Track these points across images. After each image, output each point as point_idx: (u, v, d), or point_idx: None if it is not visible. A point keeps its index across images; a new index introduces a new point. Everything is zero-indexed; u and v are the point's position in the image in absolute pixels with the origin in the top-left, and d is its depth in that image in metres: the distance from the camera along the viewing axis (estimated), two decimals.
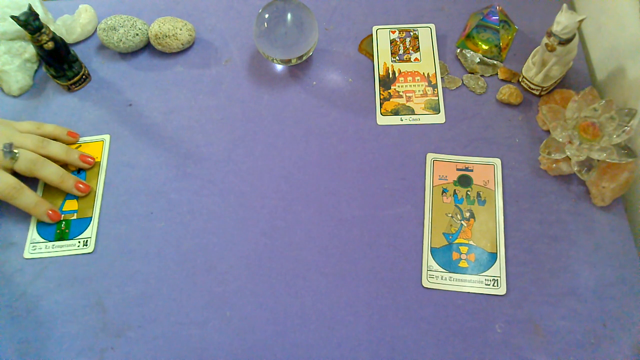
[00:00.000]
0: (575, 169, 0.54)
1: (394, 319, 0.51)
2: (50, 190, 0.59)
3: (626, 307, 0.50)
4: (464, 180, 0.57)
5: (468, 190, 0.56)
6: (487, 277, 0.52)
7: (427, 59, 0.65)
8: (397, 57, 0.65)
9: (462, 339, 0.50)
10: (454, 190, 0.57)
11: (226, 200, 0.58)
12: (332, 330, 0.51)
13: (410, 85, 0.63)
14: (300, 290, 0.53)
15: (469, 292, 0.52)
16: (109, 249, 0.56)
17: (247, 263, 0.54)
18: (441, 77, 0.63)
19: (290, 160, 0.60)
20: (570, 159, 0.54)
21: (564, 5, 0.52)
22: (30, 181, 0.57)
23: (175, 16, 0.67)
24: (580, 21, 0.51)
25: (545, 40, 0.54)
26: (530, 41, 0.65)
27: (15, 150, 0.55)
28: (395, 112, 0.62)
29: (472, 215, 0.55)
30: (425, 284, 0.52)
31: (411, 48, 0.66)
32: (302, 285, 0.53)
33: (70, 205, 0.58)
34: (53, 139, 0.59)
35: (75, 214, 0.58)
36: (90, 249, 0.56)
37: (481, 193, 0.56)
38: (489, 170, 0.57)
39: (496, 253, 0.53)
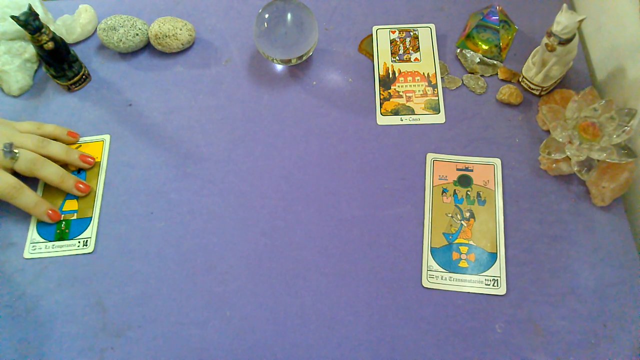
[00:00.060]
0: (575, 169, 0.54)
1: (394, 319, 0.51)
2: (50, 190, 0.59)
3: (626, 307, 0.50)
4: (464, 180, 0.57)
5: (468, 190, 0.56)
6: (487, 277, 0.52)
7: (427, 59, 0.65)
8: (397, 57, 0.65)
9: (462, 339, 0.50)
10: (454, 190, 0.57)
11: (226, 200, 0.58)
12: (332, 330, 0.51)
13: (410, 85, 0.63)
14: (300, 290, 0.53)
15: (469, 292, 0.52)
16: (109, 249, 0.56)
17: (247, 263, 0.54)
18: (441, 77, 0.63)
19: (290, 160, 0.60)
20: (570, 159, 0.54)
21: (564, 5, 0.52)
22: (31, 181, 0.57)
23: (175, 16, 0.67)
24: (580, 21, 0.51)
25: (545, 40, 0.54)
26: (530, 41, 0.65)
27: (16, 150, 0.55)
28: (395, 112, 0.62)
29: (472, 215, 0.55)
30: (425, 284, 0.52)
31: (411, 48, 0.66)
32: (302, 285, 0.53)
33: (70, 205, 0.58)
34: (53, 139, 0.59)
35: (75, 214, 0.58)
36: (90, 249, 0.56)
37: (481, 193, 0.56)
38: (489, 170, 0.57)
39: (496, 253, 0.53)
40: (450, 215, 0.55)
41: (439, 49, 0.65)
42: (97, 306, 0.53)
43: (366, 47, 0.67)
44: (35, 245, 0.56)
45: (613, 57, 0.60)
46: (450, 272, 0.53)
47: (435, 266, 0.53)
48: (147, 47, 0.68)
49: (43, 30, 0.58)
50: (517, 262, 0.53)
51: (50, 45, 0.59)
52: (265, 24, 0.60)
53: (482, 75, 0.63)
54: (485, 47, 0.64)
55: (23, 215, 0.57)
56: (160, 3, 0.72)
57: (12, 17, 0.55)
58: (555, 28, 0.52)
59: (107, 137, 0.62)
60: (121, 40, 0.65)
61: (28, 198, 0.55)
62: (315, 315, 0.52)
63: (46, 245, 0.56)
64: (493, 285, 0.52)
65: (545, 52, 0.55)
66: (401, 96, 0.62)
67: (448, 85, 0.63)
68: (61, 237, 0.56)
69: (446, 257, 0.53)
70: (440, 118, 0.61)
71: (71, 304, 0.53)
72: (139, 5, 0.71)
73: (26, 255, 0.56)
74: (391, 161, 0.59)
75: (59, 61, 0.62)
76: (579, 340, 0.49)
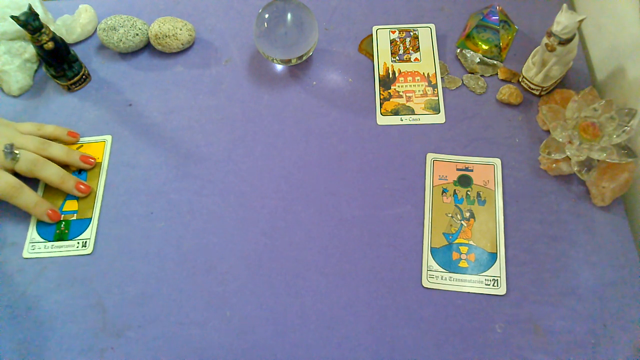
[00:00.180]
0: (575, 169, 0.54)
1: (394, 319, 0.51)
2: (50, 190, 0.59)
3: (626, 307, 0.50)
4: (464, 180, 0.57)
5: (468, 190, 0.56)
6: (487, 277, 0.52)
7: (427, 59, 0.65)
8: (397, 57, 0.65)
9: (462, 339, 0.50)
10: (454, 190, 0.57)
11: (226, 200, 0.58)
12: (332, 330, 0.51)
13: (410, 85, 0.63)
14: (300, 290, 0.53)
15: (469, 292, 0.52)
16: (109, 249, 0.56)
17: (247, 263, 0.54)
18: (441, 77, 0.63)
19: (290, 160, 0.60)
20: (570, 159, 0.54)
21: (564, 5, 0.52)
22: (31, 181, 0.57)
23: (175, 16, 0.67)
24: (580, 21, 0.51)
25: (545, 40, 0.54)
26: (530, 41, 0.65)
27: (17, 151, 0.55)
28: (395, 112, 0.62)
29: (472, 215, 0.55)
30: (425, 284, 0.52)
31: (411, 48, 0.66)
32: (302, 285, 0.53)
33: (71, 205, 0.58)
34: (53, 140, 0.59)
35: (75, 214, 0.58)
36: (88, 250, 0.56)
37: (481, 193, 0.56)
38: (489, 170, 0.57)
39: (496, 253, 0.53)
40: (450, 215, 0.55)
41: (439, 49, 0.65)
42: (97, 306, 0.53)
43: (366, 47, 0.67)
44: (35, 245, 0.56)
45: (613, 57, 0.60)
46: (450, 272, 0.53)
47: (435, 266, 0.53)
48: (147, 47, 0.68)
49: (43, 30, 0.58)
50: (517, 262, 0.53)
51: (50, 45, 0.59)
52: (265, 24, 0.60)
53: (482, 75, 0.63)
54: (485, 47, 0.64)
55: (23, 215, 0.57)
56: (160, 3, 0.72)
57: (12, 17, 0.56)
58: (555, 28, 0.52)
59: (108, 138, 0.62)
60: (121, 40, 0.65)
61: (28, 198, 0.55)
62: (315, 315, 0.52)
63: (45, 245, 0.56)
64: (493, 285, 0.52)
65: (545, 52, 0.55)
66: (401, 96, 0.62)
67: (448, 85, 0.63)
68: (60, 237, 0.56)
69: (446, 257, 0.53)
70: (440, 118, 0.61)
71: (71, 304, 0.53)
72: (139, 5, 0.71)
73: (25, 254, 0.56)
74: (391, 161, 0.59)
75: (59, 61, 0.62)
76: (579, 340, 0.49)
